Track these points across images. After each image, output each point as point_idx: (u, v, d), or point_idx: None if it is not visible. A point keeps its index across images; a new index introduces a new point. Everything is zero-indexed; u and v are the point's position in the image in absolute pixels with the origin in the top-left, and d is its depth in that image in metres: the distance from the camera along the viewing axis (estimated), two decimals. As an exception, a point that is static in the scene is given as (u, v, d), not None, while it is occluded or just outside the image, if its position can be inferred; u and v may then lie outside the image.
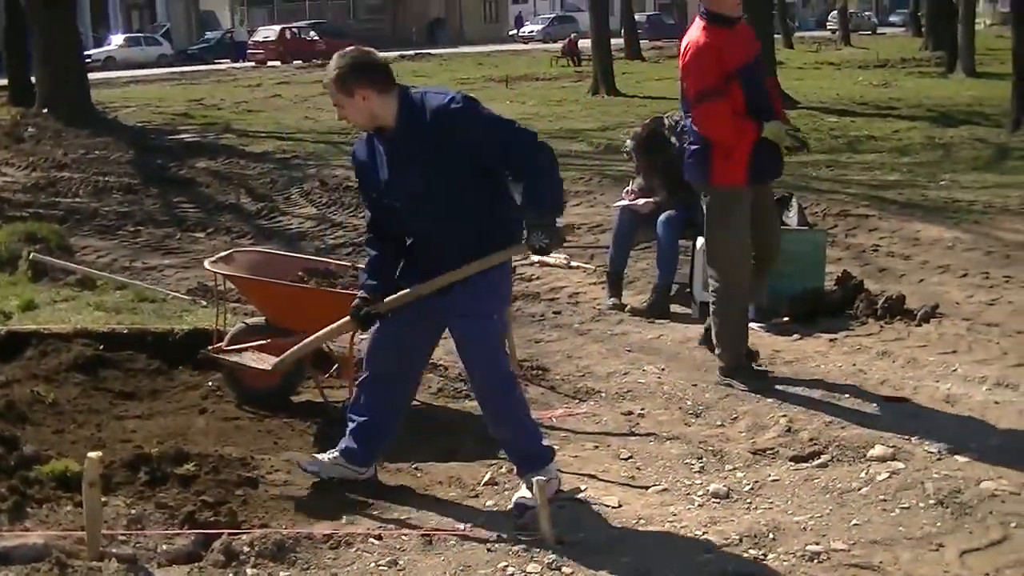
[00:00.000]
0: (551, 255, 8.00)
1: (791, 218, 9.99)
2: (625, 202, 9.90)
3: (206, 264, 7.37)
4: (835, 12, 74.91)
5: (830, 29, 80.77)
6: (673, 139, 9.57)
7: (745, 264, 7.58)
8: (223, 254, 7.66)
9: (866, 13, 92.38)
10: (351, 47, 5.68)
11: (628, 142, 9.96)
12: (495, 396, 5.73)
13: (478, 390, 5.84)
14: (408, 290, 5.59)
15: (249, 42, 64.15)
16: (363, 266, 6.00)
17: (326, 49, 59.19)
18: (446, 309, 5.60)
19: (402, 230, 5.68)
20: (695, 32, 7.44)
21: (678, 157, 9.44)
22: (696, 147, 7.50)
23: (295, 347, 6.26)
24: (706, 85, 7.25)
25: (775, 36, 32.73)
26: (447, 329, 5.75)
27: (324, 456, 5.96)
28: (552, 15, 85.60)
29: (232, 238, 13.31)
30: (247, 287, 7.30)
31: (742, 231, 7.46)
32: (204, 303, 9.51)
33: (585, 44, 45.22)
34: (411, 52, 58.66)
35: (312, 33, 63.34)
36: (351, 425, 5.88)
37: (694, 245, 9.47)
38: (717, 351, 7.75)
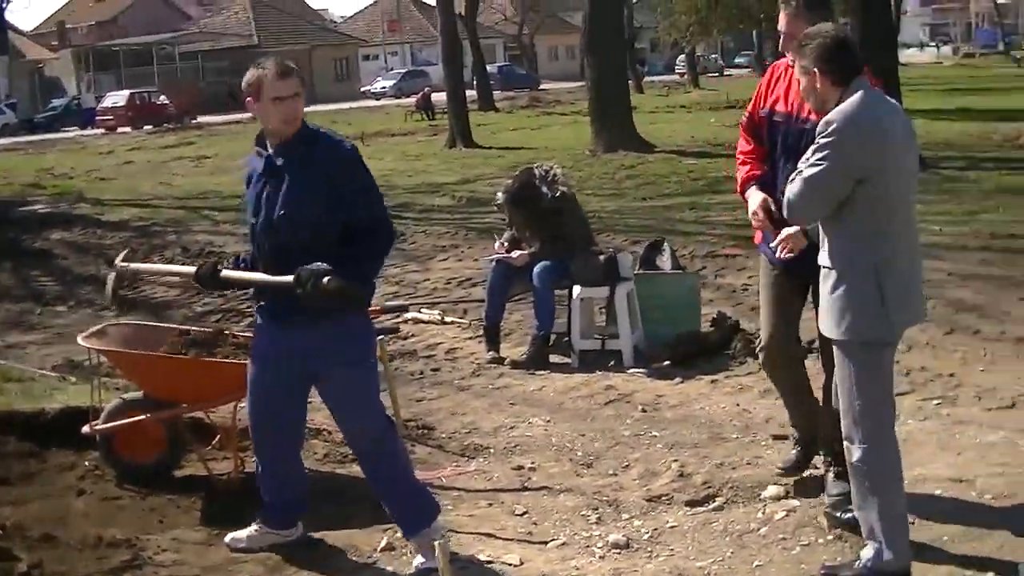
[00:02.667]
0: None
1: (664, 262, 10.07)
2: (499, 255, 9.86)
3: (79, 340, 7.12)
4: (683, 56, 76.20)
5: (678, 72, 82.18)
6: (544, 189, 9.57)
7: None
8: (95, 329, 7.41)
9: (712, 56, 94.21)
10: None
11: (500, 195, 9.92)
12: (374, 449, 5.63)
13: (357, 444, 5.74)
14: (251, 276, 5.60)
15: (97, 108, 63.12)
16: None
17: (176, 113, 58.83)
18: (316, 352, 5.46)
19: (255, 251, 5.63)
20: None
21: (550, 207, 9.50)
22: None
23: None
24: None
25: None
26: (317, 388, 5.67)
27: (248, 530, 5.85)
28: (404, 70, 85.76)
29: (95, 310, 12.94)
30: (123, 361, 7.09)
31: None
32: (74, 379, 9.22)
33: (439, 97, 45.38)
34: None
35: (163, 97, 62.58)
36: (263, 491, 5.78)
37: (570, 294, 9.49)
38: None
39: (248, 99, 5.47)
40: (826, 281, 5.19)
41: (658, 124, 34.27)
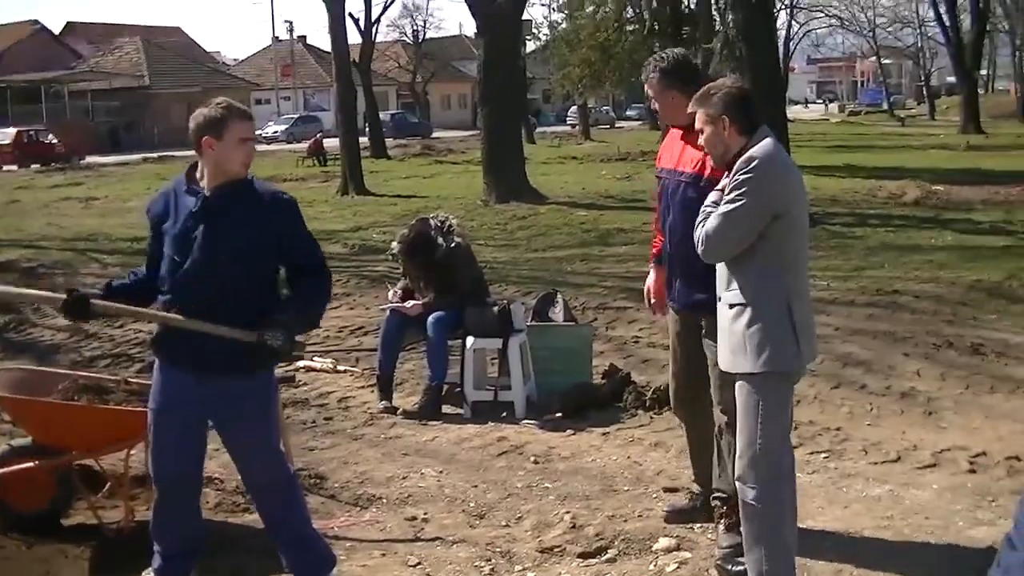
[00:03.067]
0: (305, 359, 7.74)
1: (557, 314, 10.16)
2: (393, 305, 9.88)
3: (-34, 388, 7.02)
4: (575, 108, 76.86)
5: (570, 124, 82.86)
6: (440, 240, 9.62)
7: None
8: (-18, 374, 7.34)
9: (604, 108, 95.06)
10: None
11: (394, 244, 9.96)
12: (276, 499, 5.61)
13: (258, 493, 5.70)
14: (135, 307, 5.51)
15: (-17, 146, 61.96)
16: None
17: (65, 152, 57.94)
18: (218, 402, 5.43)
19: (172, 290, 5.44)
20: None
21: (445, 258, 9.55)
22: None
23: None
24: None
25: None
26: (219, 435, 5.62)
27: None
28: (296, 115, 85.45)
29: (-20, 353, 12.77)
30: (12, 407, 6.99)
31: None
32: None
33: (330, 144, 45.30)
34: (154, 155, 57.77)
35: (51, 136, 61.65)
36: (157, 541, 5.67)
37: (464, 344, 9.53)
38: None
39: (204, 138, 5.34)
40: (736, 318, 5.35)
41: (550, 175, 34.53)
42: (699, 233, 5.40)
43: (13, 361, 11.69)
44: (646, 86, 6.44)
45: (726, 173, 5.45)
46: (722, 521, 6.23)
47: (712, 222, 5.31)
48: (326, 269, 5.59)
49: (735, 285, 5.36)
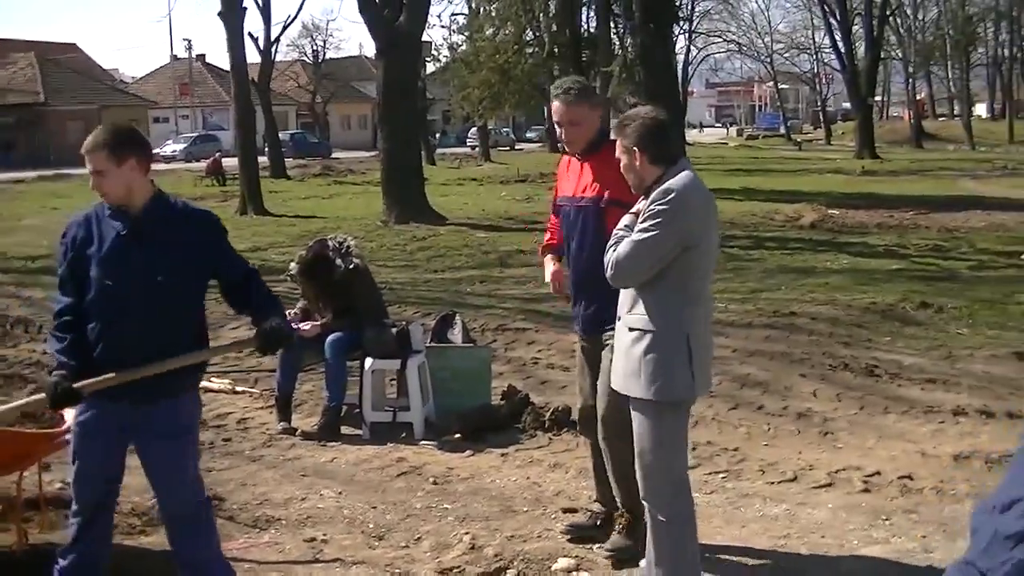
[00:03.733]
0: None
1: (455, 335, 10.17)
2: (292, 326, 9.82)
3: None
4: (475, 129, 77.04)
5: (471, 145, 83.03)
6: (338, 261, 9.60)
7: None
8: None
9: (504, 129, 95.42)
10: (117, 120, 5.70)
11: (292, 265, 9.92)
12: (190, 521, 5.53)
13: (173, 514, 5.57)
14: (114, 374, 5.30)
15: None
16: (54, 346, 5.53)
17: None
18: (142, 426, 5.37)
19: (105, 318, 5.35)
20: None
21: (343, 279, 9.53)
22: None
23: None
24: None
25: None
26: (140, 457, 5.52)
27: None
28: (195, 134, 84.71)
29: None
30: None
31: None
32: None
33: (229, 163, 44.96)
34: (50, 172, 56.92)
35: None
36: (64, 566, 5.52)
37: (362, 365, 9.51)
38: None
39: None
40: (635, 343, 5.42)
41: (450, 196, 34.57)
42: (610, 257, 5.45)
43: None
44: (555, 107, 6.50)
45: (642, 196, 5.51)
46: (618, 527, 6.54)
47: (624, 248, 5.37)
48: (255, 269, 5.74)
49: (638, 310, 5.43)
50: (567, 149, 6.65)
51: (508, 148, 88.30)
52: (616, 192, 6.09)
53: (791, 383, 10.73)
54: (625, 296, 5.53)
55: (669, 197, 5.31)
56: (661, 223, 5.29)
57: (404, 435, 9.31)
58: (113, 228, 5.35)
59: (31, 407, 5.67)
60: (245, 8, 35.52)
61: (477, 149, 73.11)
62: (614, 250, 5.44)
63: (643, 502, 5.60)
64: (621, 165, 5.57)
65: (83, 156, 5.35)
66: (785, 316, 14.17)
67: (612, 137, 5.69)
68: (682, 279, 5.37)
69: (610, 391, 5.87)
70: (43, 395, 5.48)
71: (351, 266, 9.64)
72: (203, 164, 54.34)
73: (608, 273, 5.49)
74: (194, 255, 5.37)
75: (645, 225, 5.33)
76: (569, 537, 6.80)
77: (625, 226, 5.50)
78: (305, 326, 9.71)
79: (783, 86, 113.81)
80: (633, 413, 5.54)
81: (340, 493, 7.92)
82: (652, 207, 5.33)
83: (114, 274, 5.29)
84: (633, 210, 5.54)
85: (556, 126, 6.60)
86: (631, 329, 5.45)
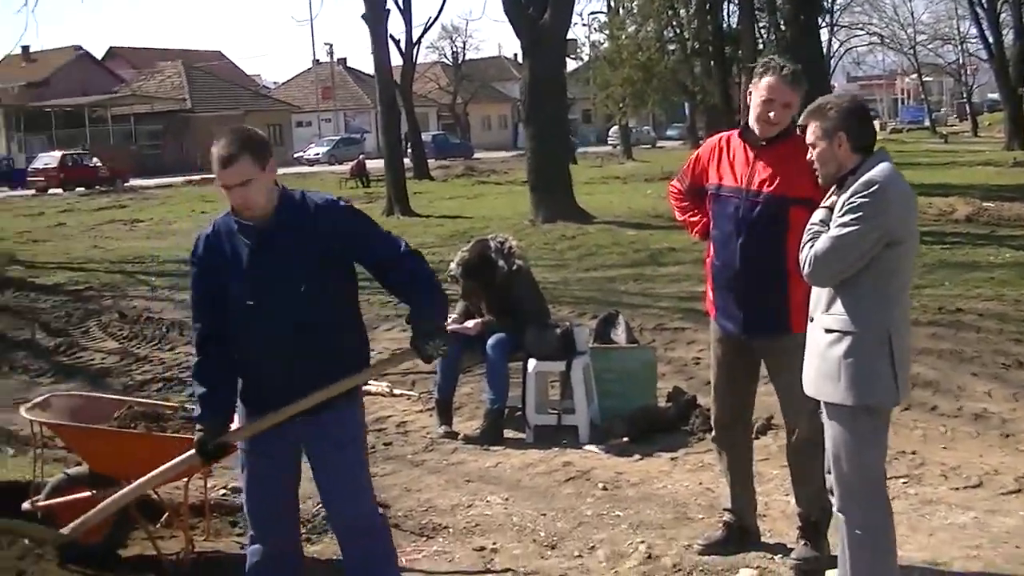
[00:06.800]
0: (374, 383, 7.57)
1: (619, 335, 9.95)
2: (452, 327, 9.67)
3: (22, 411, 6.82)
4: (615, 128, 76.80)
5: (611, 144, 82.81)
6: (501, 262, 9.43)
7: None
8: (39, 399, 7.10)
9: (645, 128, 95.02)
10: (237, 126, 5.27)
11: (454, 266, 9.75)
12: (365, 539, 5.34)
13: (346, 532, 5.39)
14: (265, 417, 5.14)
15: (28, 169, 62.32)
16: (195, 392, 5.36)
17: (108, 175, 58.29)
18: (312, 439, 5.23)
19: (252, 339, 5.15)
20: None
21: (506, 280, 9.35)
22: None
23: (111, 499, 5.74)
24: None
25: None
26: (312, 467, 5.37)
27: None
28: (337, 137, 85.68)
29: (31, 376, 12.61)
30: (68, 435, 6.80)
31: None
32: (11, 451, 8.89)
33: (372, 165, 45.22)
34: (197, 177, 57.92)
35: (95, 159, 61.94)
36: (252, 563, 5.40)
37: (525, 367, 9.33)
38: None
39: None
40: (833, 344, 5.14)
41: (595, 195, 34.30)
42: (806, 254, 5.15)
43: (64, 385, 11.60)
44: (769, 83, 6.10)
45: (832, 189, 5.23)
46: (802, 540, 6.25)
47: (822, 244, 5.07)
48: (413, 250, 5.31)
49: (836, 309, 5.13)
50: (758, 132, 6.18)
51: (649, 146, 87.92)
52: (803, 189, 5.78)
53: (963, 382, 10.32)
54: (820, 295, 5.23)
55: (872, 189, 5.00)
56: (863, 217, 4.99)
57: (567, 440, 9.11)
58: (245, 243, 5.11)
59: (186, 466, 5.50)
60: (388, 10, 35.69)
61: (619, 147, 72.79)
62: (811, 246, 5.15)
63: (837, 513, 5.31)
64: (815, 152, 5.27)
65: (218, 172, 5.06)
66: (951, 313, 13.67)
67: (803, 122, 5.36)
68: (884, 277, 5.06)
69: (802, 396, 5.58)
70: (194, 452, 5.30)
71: (514, 267, 9.45)
72: (346, 166, 54.83)
73: (805, 271, 5.19)
74: (332, 249, 5.09)
75: (846, 219, 5.03)
76: (704, 552, 6.53)
77: (820, 220, 5.21)
78: (468, 324, 9.55)
79: (926, 78, 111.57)
80: (827, 419, 5.26)
81: (507, 499, 7.73)
82: (853, 199, 5.03)
83: (254, 293, 5.07)
84: (826, 203, 5.25)
85: (759, 104, 6.11)
86: (828, 330, 5.15)
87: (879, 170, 5.09)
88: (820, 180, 5.33)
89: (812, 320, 5.29)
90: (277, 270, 5.05)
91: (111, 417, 6.78)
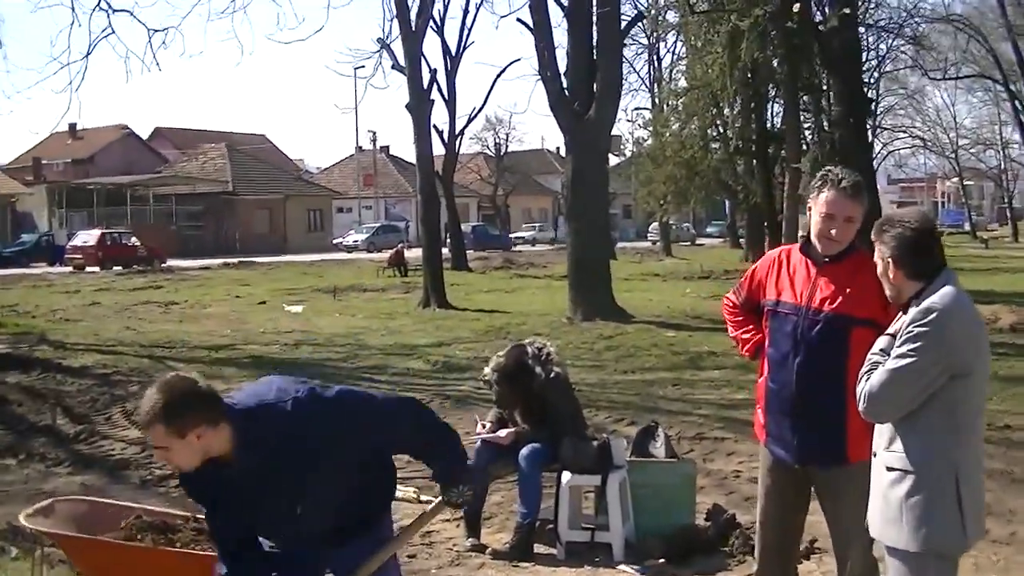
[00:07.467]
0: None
1: (658, 448, 9.55)
2: (484, 436, 9.31)
3: (21, 519, 6.47)
4: (655, 224, 76.93)
5: (651, 240, 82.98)
6: (538, 369, 9.08)
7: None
8: (41, 505, 6.73)
9: (685, 224, 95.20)
10: (171, 376, 4.78)
11: (489, 372, 9.40)
12: None
13: None
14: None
15: (67, 246, 62.74)
16: None
17: (147, 255, 58.62)
18: (339, 566, 5.04)
19: (281, 538, 5.00)
20: None
21: (543, 388, 9.00)
22: None
23: None
24: None
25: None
26: None
27: None
28: (377, 224, 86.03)
29: (47, 465, 12.24)
30: (69, 546, 6.42)
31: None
32: (15, 551, 8.49)
33: (411, 254, 45.16)
34: (234, 260, 58.11)
35: (134, 238, 62.31)
36: None
37: (559, 479, 8.94)
38: None
39: None
40: (894, 484, 4.76)
41: (634, 292, 34.04)
42: (863, 387, 4.77)
43: (81, 475, 11.29)
44: (829, 198, 5.78)
45: (900, 313, 4.86)
46: None
47: (878, 378, 4.68)
48: (407, 407, 5.07)
49: (897, 446, 4.74)
50: (820, 248, 5.85)
51: (689, 243, 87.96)
52: (867, 310, 5.45)
53: (1015, 506, 9.85)
54: (883, 430, 4.84)
55: (929, 318, 4.62)
56: (921, 348, 4.60)
57: (600, 558, 8.70)
58: (220, 479, 4.68)
59: None
60: (432, 101, 35.71)
61: (658, 243, 72.78)
62: (867, 379, 4.76)
63: None
64: (878, 270, 4.92)
65: (148, 433, 4.64)
66: (999, 429, 13.16)
67: (872, 239, 5.01)
68: (949, 412, 4.66)
69: (852, 529, 5.20)
70: None
71: (551, 375, 9.09)
72: (385, 254, 54.88)
73: (861, 407, 4.80)
74: (320, 467, 4.67)
75: (903, 350, 4.65)
76: None
77: (880, 350, 4.83)
78: (501, 434, 9.19)
79: (968, 182, 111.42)
80: (891, 561, 4.86)
81: (536, 621, 7.33)
82: (911, 328, 4.65)
83: (251, 526, 4.88)
84: (890, 330, 4.87)
85: (820, 221, 5.79)
86: (889, 468, 4.76)
87: (941, 295, 4.71)
88: (888, 300, 4.99)
89: (875, 455, 4.91)
90: (266, 502, 4.75)
91: (117, 526, 6.42)
